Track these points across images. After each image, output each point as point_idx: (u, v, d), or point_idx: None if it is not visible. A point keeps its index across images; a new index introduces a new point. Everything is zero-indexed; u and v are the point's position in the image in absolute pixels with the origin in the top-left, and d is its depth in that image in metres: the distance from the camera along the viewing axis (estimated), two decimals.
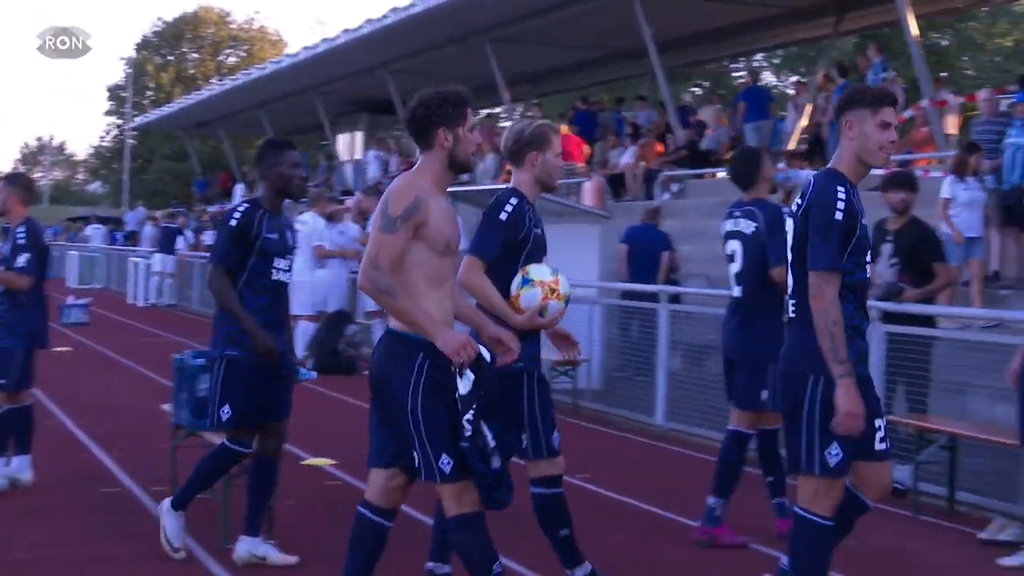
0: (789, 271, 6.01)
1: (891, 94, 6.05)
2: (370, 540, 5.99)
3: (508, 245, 6.83)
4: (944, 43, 44.18)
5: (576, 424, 13.78)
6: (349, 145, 43.56)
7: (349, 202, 22.50)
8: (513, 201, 6.90)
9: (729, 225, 8.72)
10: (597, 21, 27.36)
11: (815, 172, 6.02)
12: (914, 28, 20.41)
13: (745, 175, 8.77)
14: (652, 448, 12.74)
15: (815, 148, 23.29)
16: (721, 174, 25.71)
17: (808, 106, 25.20)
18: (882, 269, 10.68)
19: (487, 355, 5.72)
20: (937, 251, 10.76)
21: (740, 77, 45.03)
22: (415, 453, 5.73)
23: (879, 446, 5.93)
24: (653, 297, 14.54)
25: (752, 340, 8.49)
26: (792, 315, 5.99)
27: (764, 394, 8.46)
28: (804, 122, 25.04)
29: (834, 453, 5.80)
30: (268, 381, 7.65)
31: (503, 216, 6.85)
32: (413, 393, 5.66)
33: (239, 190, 39.50)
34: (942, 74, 39.85)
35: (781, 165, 14.28)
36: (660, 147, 27.10)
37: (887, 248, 10.70)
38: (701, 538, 8.60)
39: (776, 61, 48.27)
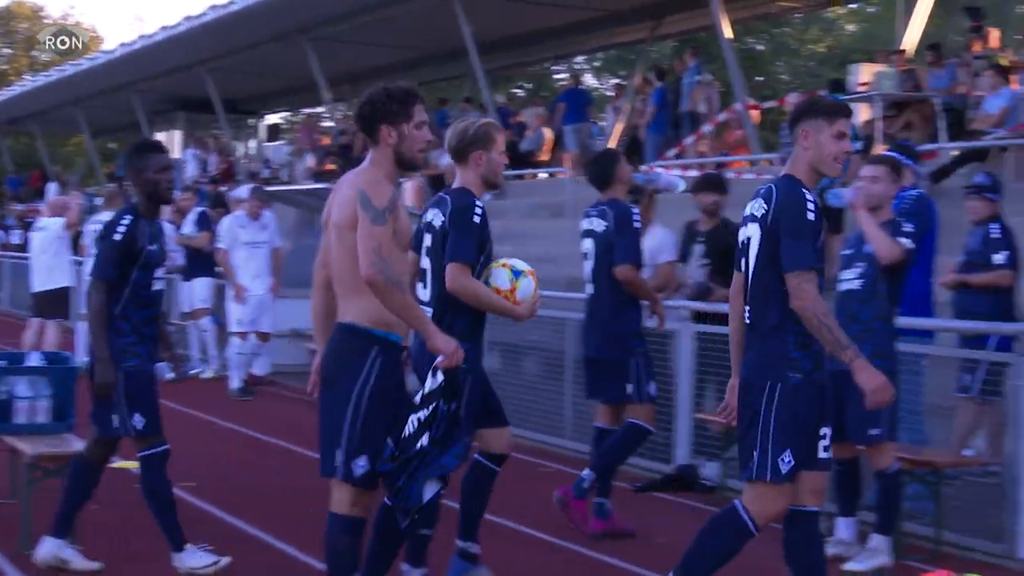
0: (750, 279, 5.99)
1: (846, 106, 6.15)
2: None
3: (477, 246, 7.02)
4: (760, 48, 45.01)
5: None
6: (167, 143, 42.87)
7: None
8: (478, 204, 7.02)
9: (584, 224, 8.97)
10: (418, 21, 27.32)
11: (774, 180, 6.02)
12: (728, 32, 20.76)
13: (602, 176, 8.97)
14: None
15: (633, 150, 23.59)
16: (542, 175, 25.89)
17: (626, 108, 25.50)
18: (693, 270, 10.85)
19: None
20: None
21: (562, 79, 45.39)
22: (337, 450, 5.76)
23: (822, 455, 5.94)
24: None
25: (608, 337, 8.75)
26: (748, 322, 6.02)
27: (629, 387, 8.77)
28: (622, 124, 25.33)
29: (787, 461, 5.84)
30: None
31: (475, 219, 6.97)
32: (361, 387, 5.73)
33: (52, 188, 38.61)
34: (758, 78, 40.72)
35: (644, 167, 14.43)
36: None
37: (698, 249, 10.86)
38: (559, 496, 8.91)
39: (597, 64, 48.68)
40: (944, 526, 8.57)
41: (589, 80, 49.10)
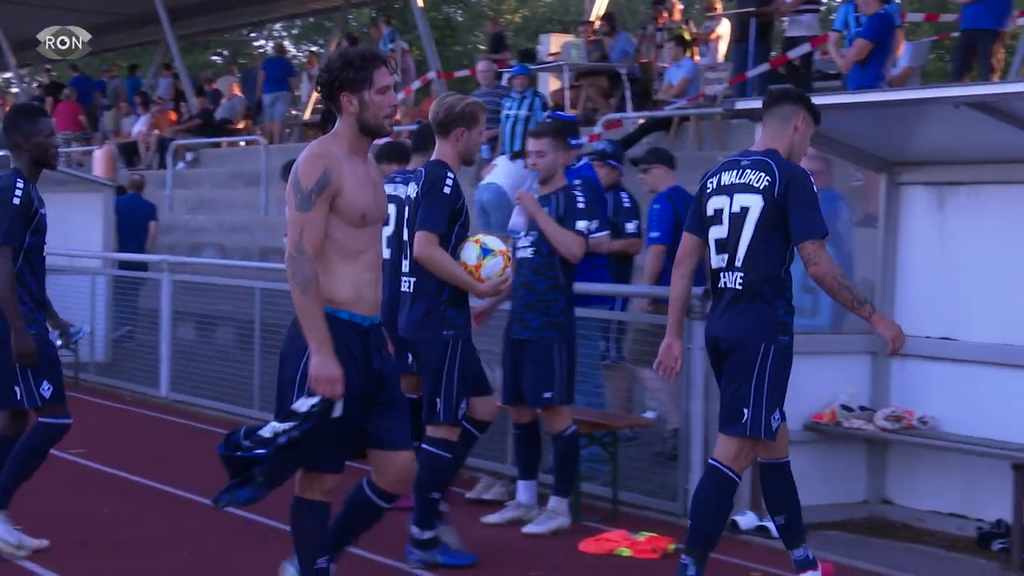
0: (743, 245, 6.28)
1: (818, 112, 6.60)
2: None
3: (449, 217, 7.13)
4: (459, 18, 45.30)
5: (78, 398, 13.37)
6: None
7: None
8: (450, 175, 7.21)
9: (389, 189, 8.77)
10: None
11: (762, 154, 6.40)
12: (420, 2, 20.82)
13: (420, 145, 8.99)
14: (156, 420, 12.50)
15: (328, 119, 23.43)
16: (243, 143, 25.53)
17: None
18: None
19: (340, 411, 5.43)
20: None
21: (262, 47, 44.86)
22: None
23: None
24: (157, 267, 14.23)
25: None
26: (740, 288, 6.28)
27: (409, 357, 8.59)
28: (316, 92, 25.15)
29: (776, 419, 6.35)
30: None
31: (446, 189, 7.15)
32: (305, 366, 5.45)
33: None
34: (456, 48, 41.00)
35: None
36: (173, 116, 26.71)
37: None
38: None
39: (295, 32, 48.25)
40: (621, 487, 8.79)
41: (287, 47, 48.67)
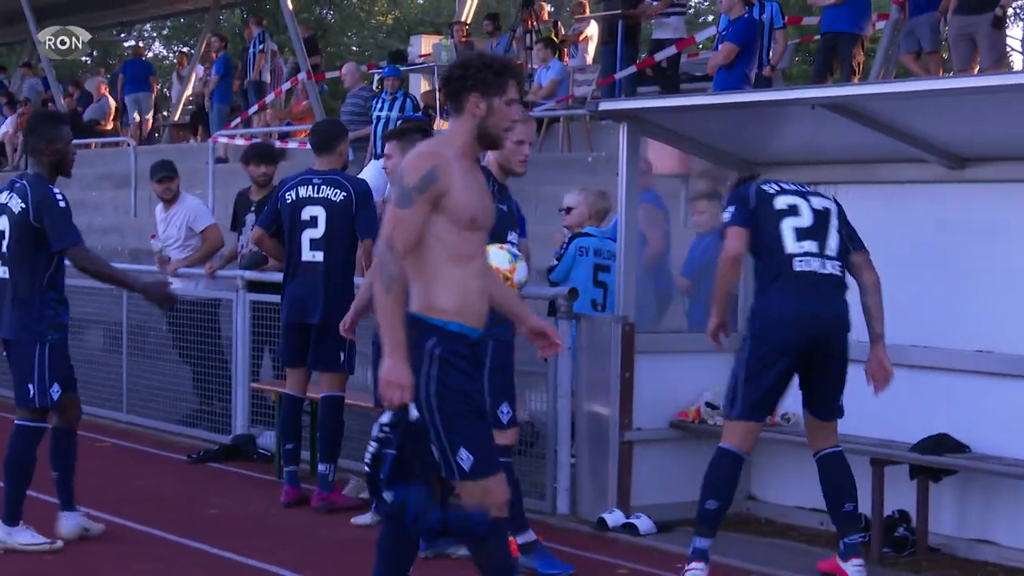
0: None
1: None
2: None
3: None
4: (331, 19, 45.14)
5: None
6: None
7: None
8: None
9: (309, 191, 8.81)
10: None
11: None
12: (290, 3, 20.71)
13: (325, 145, 9.00)
14: None
15: (198, 119, 23.31)
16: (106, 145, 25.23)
17: (192, 77, 25.16)
18: (245, 239, 10.82)
19: (414, 414, 5.16)
20: None
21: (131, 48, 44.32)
22: (432, 446, 5.26)
23: None
24: None
25: (335, 305, 8.59)
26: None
27: (342, 356, 8.76)
28: (188, 92, 24.98)
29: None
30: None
31: None
32: (426, 381, 5.19)
33: None
34: (329, 49, 40.84)
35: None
36: None
37: (250, 218, 10.85)
38: (319, 504, 8.73)
39: (165, 33, 47.78)
40: None
41: (158, 48, 48.19)
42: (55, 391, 7.59)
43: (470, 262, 5.30)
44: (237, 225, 11.17)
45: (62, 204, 7.50)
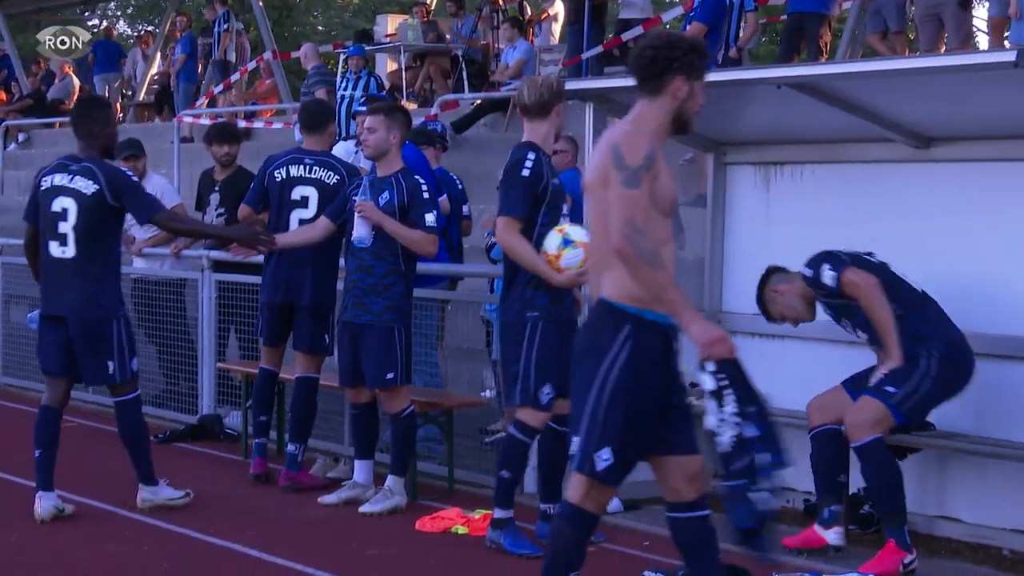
0: None
1: None
2: None
3: (531, 200, 7.03)
4: None
5: None
6: None
7: None
8: (531, 156, 7.05)
9: (300, 171, 8.82)
10: None
11: None
12: None
13: (315, 125, 9.03)
14: None
15: (163, 99, 23.20)
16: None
17: (157, 56, 25.03)
18: (210, 219, 10.80)
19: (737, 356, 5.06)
20: None
21: (96, 27, 44.01)
22: (575, 437, 5.22)
23: None
24: None
25: (323, 287, 8.74)
26: None
27: (327, 338, 8.82)
28: (153, 71, 24.86)
29: None
30: None
31: (525, 172, 7.02)
32: (607, 371, 5.13)
33: None
34: (295, 28, 40.71)
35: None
36: (3, 96, 26.20)
37: (215, 198, 10.84)
38: (287, 484, 8.74)
39: (130, 12, 47.49)
40: (456, 465, 8.85)
41: (123, 27, 47.89)
42: (134, 364, 7.97)
43: (666, 247, 5.17)
44: (201, 205, 11.14)
45: (135, 178, 8.14)
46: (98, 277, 7.77)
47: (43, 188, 7.87)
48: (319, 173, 8.79)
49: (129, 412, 8.03)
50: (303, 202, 8.79)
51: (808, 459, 7.31)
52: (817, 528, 7.24)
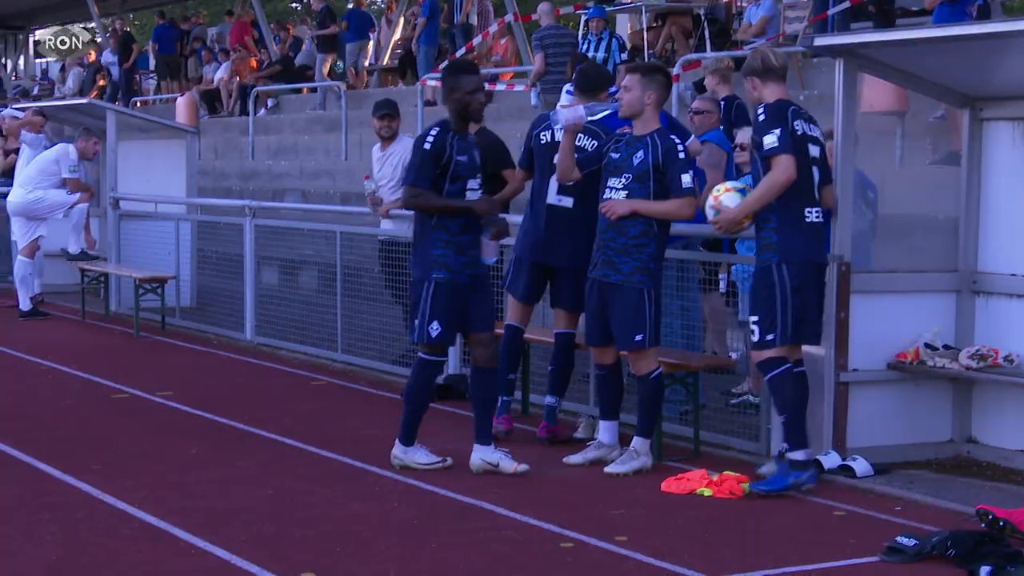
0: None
1: None
2: None
3: None
4: None
5: (166, 343, 13.56)
6: None
7: None
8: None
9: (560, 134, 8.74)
10: None
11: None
12: None
13: (591, 88, 8.92)
14: (241, 363, 12.61)
15: (407, 63, 23.47)
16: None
17: (400, 21, 25.34)
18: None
19: None
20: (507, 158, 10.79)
21: None
22: None
23: None
24: (240, 212, 14.27)
25: (582, 251, 8.60)
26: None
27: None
28: (397, 36, 25.17)
29: None
30: (468, 296, 8.15)
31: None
32: None
33: None
34: None
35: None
36: (254, 63, 26.85)
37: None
38: (544, 436, 8.96)
39: None
40: (702, 427, 8.79)
41: None
42: (434, 328, 8.05)
43: None
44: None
45: (424, 146, 8.01)
46: (433, 237, 8.10)
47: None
48: (583, 142, 8.70)
49: (418, 371, 8.27)
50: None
51: None
52: None
